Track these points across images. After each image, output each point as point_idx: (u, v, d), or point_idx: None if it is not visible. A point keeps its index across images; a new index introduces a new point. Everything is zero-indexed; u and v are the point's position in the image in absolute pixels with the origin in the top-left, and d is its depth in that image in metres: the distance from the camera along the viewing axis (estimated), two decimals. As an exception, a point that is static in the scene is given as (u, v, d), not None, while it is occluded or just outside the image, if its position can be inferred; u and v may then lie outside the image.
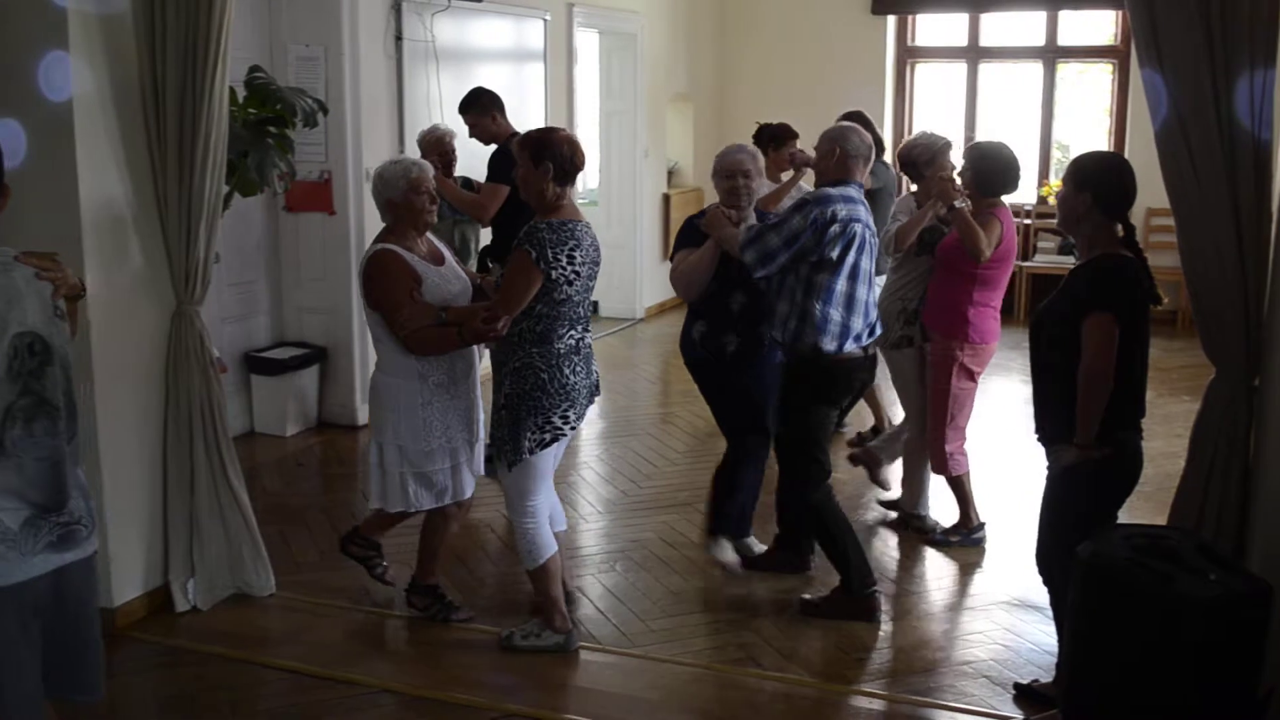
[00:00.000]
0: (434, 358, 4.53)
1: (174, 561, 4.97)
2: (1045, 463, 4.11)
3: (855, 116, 6.84)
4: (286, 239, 7.76)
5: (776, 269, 4.78)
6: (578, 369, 4.45)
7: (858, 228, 4.77)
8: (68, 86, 4.50)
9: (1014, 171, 5.50)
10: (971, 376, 5.62)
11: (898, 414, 6.72)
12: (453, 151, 6.84)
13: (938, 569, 5.58)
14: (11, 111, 4.60)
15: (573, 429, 4.47)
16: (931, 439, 5.72)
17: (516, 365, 4.39)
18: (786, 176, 7.01)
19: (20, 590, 2.85)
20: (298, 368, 7.47)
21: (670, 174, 12.06)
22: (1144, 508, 5.36)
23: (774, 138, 7.16)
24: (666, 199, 11.76)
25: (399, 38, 7.84)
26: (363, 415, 7.64)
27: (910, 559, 5.69)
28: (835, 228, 4.71)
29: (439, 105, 8.07)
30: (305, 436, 7.52)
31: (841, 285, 4.79)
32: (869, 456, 6.26)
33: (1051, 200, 11.07)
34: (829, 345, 4.81)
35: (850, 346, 4.87)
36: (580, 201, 10.53)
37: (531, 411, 4.36)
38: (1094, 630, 3.47)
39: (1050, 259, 11.48)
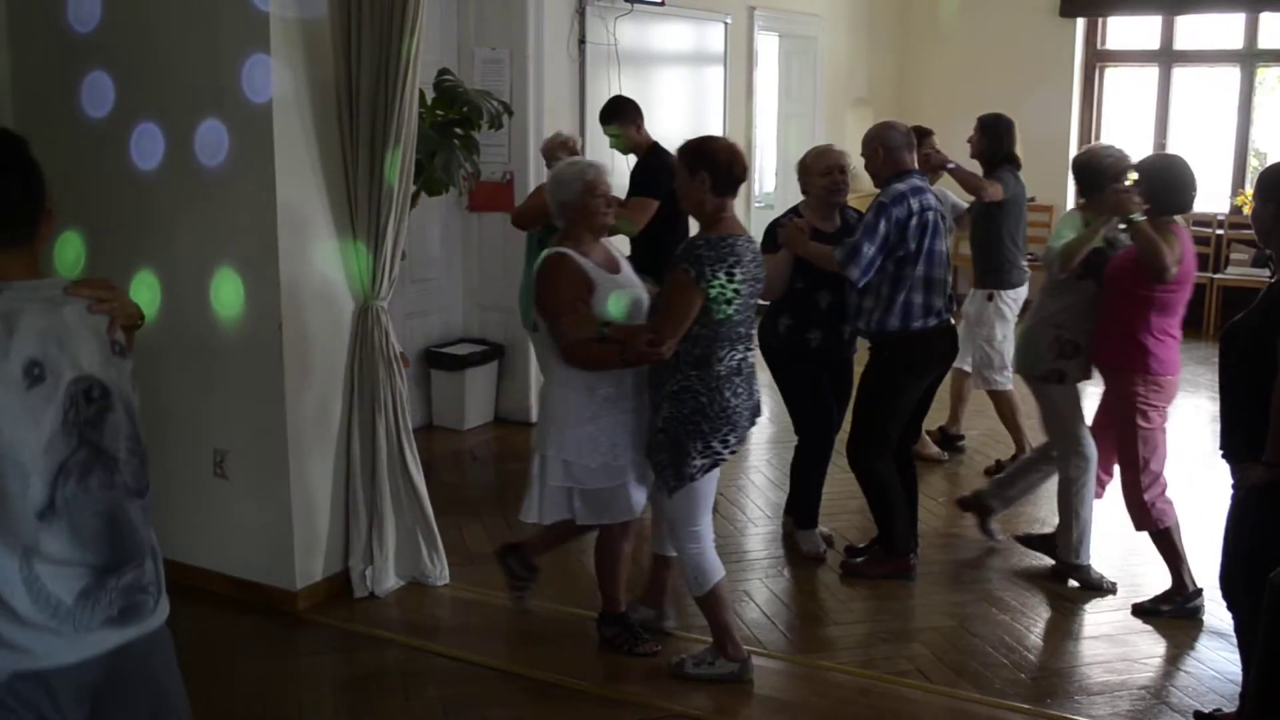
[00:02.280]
0: (604, 371, 4.31)
1: (354, 548, 5.13)
2: (1231, 482, 3.96)
3: (1002, 120, 6.76)
4: (469, 238, 7.94)
5: (874, 273, 5.07)
6: (739, 390, 4.27)
7: (930, 215, 5.10)
8: (268, 89, 4.69)
9: (1193, 188, 4.99)
10: (1159, 413, 5.07)
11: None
12: (576, 155, 6.54)
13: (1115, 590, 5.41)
14: (215, 112, 4.82)
15: (733, 453, 4.34)
16: (1127, 492, 5.14)
17: (675, 389, 4.22)
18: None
19: (64, 674, 2.38)
20: (476, 364, 7.63)
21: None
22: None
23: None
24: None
25: (582, 41, 7.94)
26: (536, 411, 7.75)
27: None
28: (914, 221, 5.04)
29: (619, 108, 8.14)
30: (481, 431, 7.68)
31: (921, 270, 5.12)
32: (979, 504, 5.89)
33: (1246, 210, 10.64)
34: (915, 324, 5.16)
35: (932, 321, 5.19)
36: (756, 205, 10.54)
37: (691, 436, 4.20)
38: (1283, 660, 3.33)
39: (1244, 271, 11.02)
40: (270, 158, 4.73)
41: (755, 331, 4.49)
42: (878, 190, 5.28)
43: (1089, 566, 5.39)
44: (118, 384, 2.47)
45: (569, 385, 4.35)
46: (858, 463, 5.40)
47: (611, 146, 6.65)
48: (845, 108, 11.50)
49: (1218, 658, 4.70)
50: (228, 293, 4.92)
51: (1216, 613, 4.46)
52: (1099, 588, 5.33)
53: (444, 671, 4.58)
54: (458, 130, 5.79)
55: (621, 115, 6.49)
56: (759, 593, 5.30)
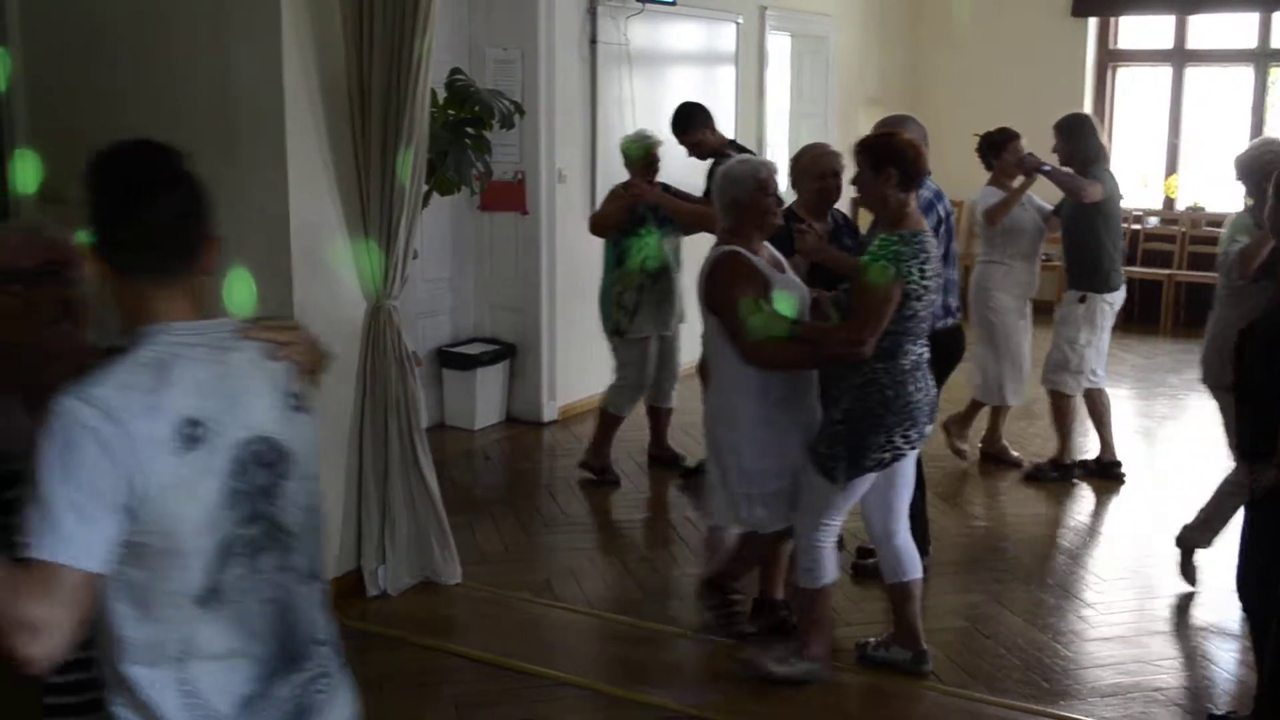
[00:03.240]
0: (776, 373, 4.25)
1: (366, 547, 5.13)
2: (1245, 482, 3.95)
3: (1080, 119, 6.68)
4: (481, 238, 7.94)
5: None
6: (920, 385, 4.21)
7: (951, 219, 5.13)
8: (280, 88, 4.69)
9: None
10: None
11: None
12: (658, 161, 6.45)
13: (1127, 591, 5.39)
14: (226, 112, 4.83)
15: (913, 448, 4.28)
16: None
17: (859, 381, 4.13)
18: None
19: None
20: (488, 364, 7.63)
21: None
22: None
23: (994, 145, 6.74)
24: (855, 202, 11.64)
25: (593, 41, 7.94)
26: (549, 412, 7.79)
27: (1101, 578, 5.52)
28: (941, 228, 5.02)
29: (631, 108, 8.15)
30: (493, 431, 7.68)
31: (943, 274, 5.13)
32: (1189, 540, 5.34)
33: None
34: (935, 325, 4.98)
35: (946, 322, 5.15)
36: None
37: (875, 429, 4.12)
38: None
39: None
40: (282, 157, 4.74)
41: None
42: None
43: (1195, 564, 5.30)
44: (294, 444, 2.07)
45: (741, 390, 4.27)
46: None
47: (690, 155, 6.52)
48: (857, 107, 11.47)
49: (1231, 659, 4.69)
50: (240, 292, 4.90)
51: (1231, 614, 4.44)
52: (1190, 579, 5.29)
53: (457, 670, 4.58)
54: (469, 130, 5.80)
55: (694, 121, 6.42)
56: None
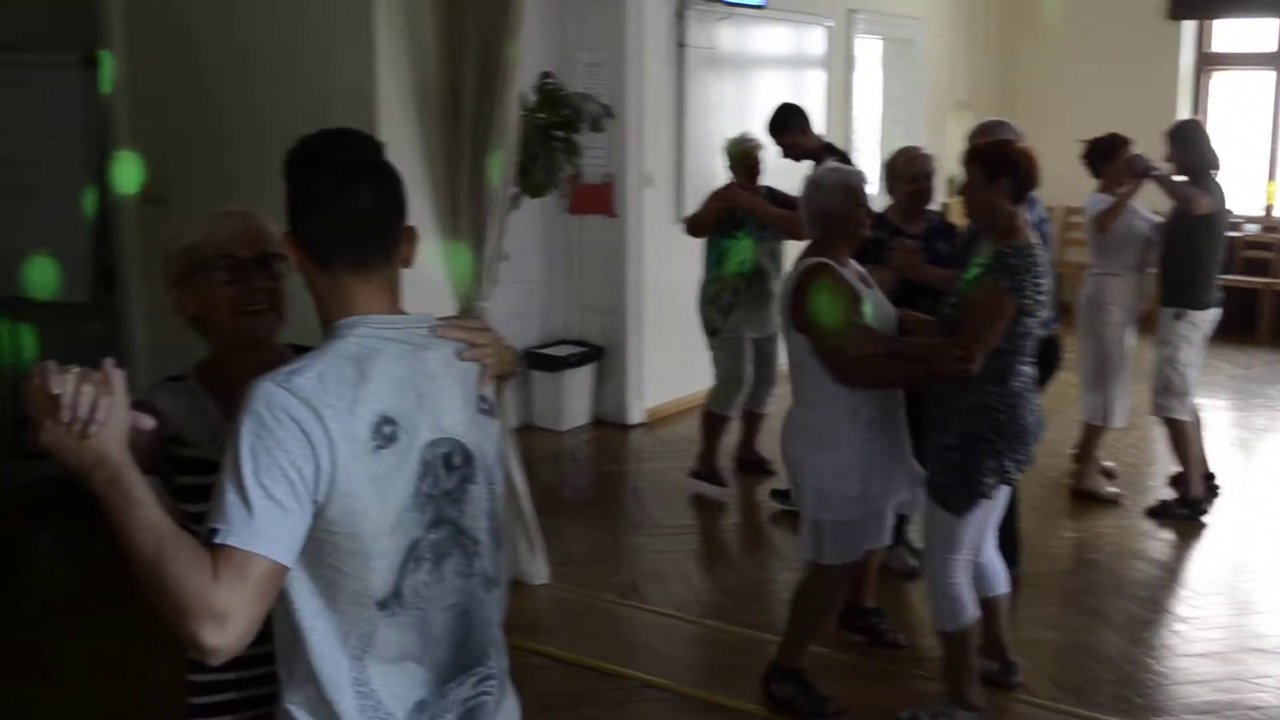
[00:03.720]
0: (866, 392, 4.01)
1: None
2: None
3: (1193, 126, 6.52)
4: (569, 240, 7.98)
5: None
6: (1032, 407, 3.99)
7: (1045, 226, 4.98)
8: (374, 90, 4.77)
9: None
10: None
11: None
12: (759, 164, 6.34)
13: (1221, 607, 5.28)
14: (322, 114, 4.90)
15: (1021, 471, 4.05)
16: None
17: (971, 404, 3.90)
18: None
19: None
20: (575, 365, 7.67)
21: (950, 182, 11.82)
22: None
23: (1104, 151, 6.47)
24: (945, 207, 11.53)
25: (681, 45, 7.94)
26: (635, 414, 7.80)
27: (1195, 592, 5.41)
28: (1034, 235, 4.86)
29: (719, 112, 8.15)
30: (580, 432, 7.71)
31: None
32: None
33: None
34: None
35: (1041, 332, 4.92)
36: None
37: (986, 454, 3.90)
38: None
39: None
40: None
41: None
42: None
43: None
44: (482, 449, 2.01)
45: (829, 409, 4.03)
46: None
47: (784, 156, 6.44)
48: (946, 111, 11.38)
49: (1334, 677, 4.58)
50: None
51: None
52: None
53: (543, 670, 4.60)
54: (559, 133, 5.84)
55: (792, 123, 6.34)
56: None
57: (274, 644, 1.93)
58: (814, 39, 9.36)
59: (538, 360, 7.68)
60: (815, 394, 4.07)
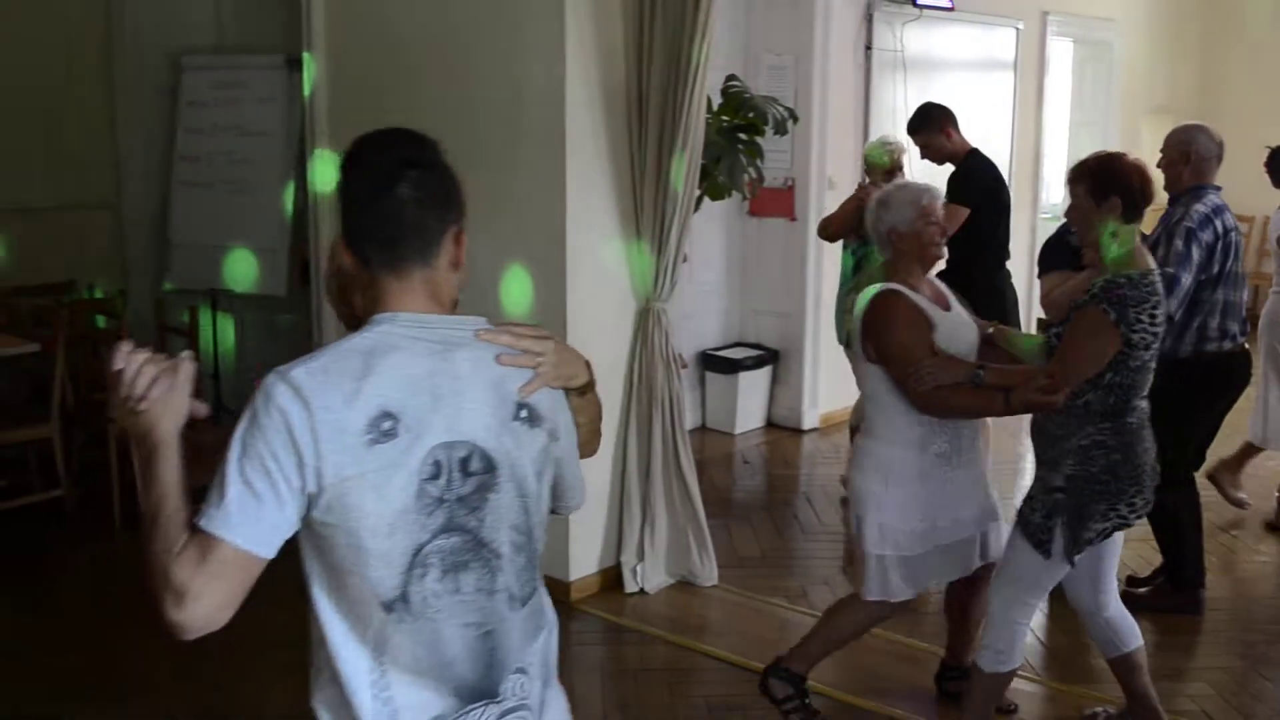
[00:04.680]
0: (938, 423, 3.81)
1: (626, 545, 5.23)
2: None
3: None
4: (748, 243, 7.98)
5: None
6: (1148, 446, 3.71)
7: (1234, 236, 4.84)
8: (562, 92, 4.84)
9: None
10: None
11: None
12: (901, 168, 6.16)
13: None
14: (510, 114, 5.01)
15: (1138, 518, 3.75)
16: None
17: (1083, 443, 3.62)
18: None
19: None
20: (750, 368, 7.67)
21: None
22: None
23: None
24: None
25: (868, 47, 7.88)
26: (810, 419, 7.77)
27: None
28: (1219, 245, 4.78)
29: (904, 115, 8.03)
30: (753, 435, 7.71)
31: (1221, 294, 4.86)
32: None
33: None
34: (1208, 348, 4.89)
35: (1227, 345, 4.92)
36: (1042, 216, 10.22)
37: (1098, 497, 3.63)
38: None
39: None
40: (561, 160, 4.88)
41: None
42: (1169, 196, 4.96)
43: None
44: (511, 457, 1.92)
45: (898, 441, 3.86)
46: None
47: (922, 158, 6.26)
48: (1141, 117, 11.02)
49: None
50: (517, 290, 5.09)
51: None
52: None
53: (709, 671, 4.62)
54: (742, 135, 5.83)
55: (929, 122, 6.09)
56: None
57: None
58: (1003, 41, 9.18)
59: (713, 362, 7.70)
60: (885, 424, 3.90)
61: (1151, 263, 3.70)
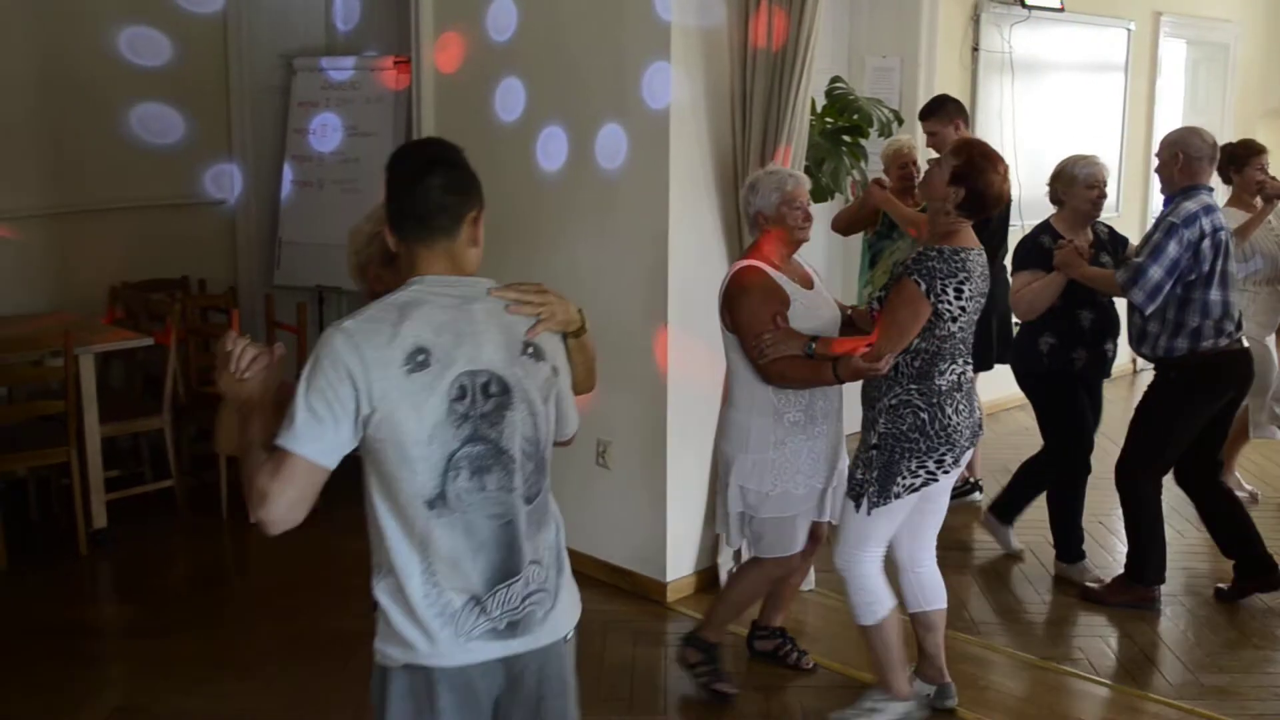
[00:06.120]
0: (792, 393, 4.03)
1: (722, 546, 5.23)
2: None
3: None
4: (850, 244, 7.92)
5: (1163, 299, 4.86)
6: (960, 407, 3.93)
7: (1223, 235, 4.90)
8: (667, 95, 4.86)
9: None
10: None
11: None
12: (915, 165, 6.09)
13: None
14: (615, 117, 5.04)
15: (947, 474, 3.96)
16: None
17: (893, 403, 3.91)
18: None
19: (447, 675, 2.39)
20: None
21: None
22: None
23: (1234, 158, 6.13)
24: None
25: (975, 48, 7.79)
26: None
27: None
28: (1206, 243, 4.83)
29: (1011, 117, 7.94)
30: (852, 440, 7.62)
31: (1214, 294, 4.91)
32: None
33: None
34: (1203, 345, 4.95)
35: (1223, 342, 4.99)
36: (1151, 219, 10.03)
37: (907, 454, 3.89)
38: None
39: None
40: (665, 162, 4.89)
41: (971, 348, 4.05)
42: (1164, 197, 5.12)
43: None
44: (521, 383, 2.40)
45: (753, 409, 4.09)
46: (1123, 480, 5.21)
47: (927, 145, 6.23)
48: (1257, 119, 10.75)
49: None
50: (624, 289, 5.12)
51: None
52: None
53: (802, 675, 4.61)
54: (846, 138, 5.80)
55: (941, 112, 6.10)
56: (1142, 634, 5.05)
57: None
58: (1115, 42, 9.02)
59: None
60: (742, 394, 4.13)
61: (973, 243, 3.91)
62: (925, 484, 3.94)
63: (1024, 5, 7.88)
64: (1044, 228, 5.27)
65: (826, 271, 7.71)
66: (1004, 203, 4.02)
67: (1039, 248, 5.17)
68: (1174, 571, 5.43)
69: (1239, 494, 6.28)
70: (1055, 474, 5.53)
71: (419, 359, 2.30)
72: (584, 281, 5.20)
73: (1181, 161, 4.99)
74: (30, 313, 6.51)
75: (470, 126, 5.64)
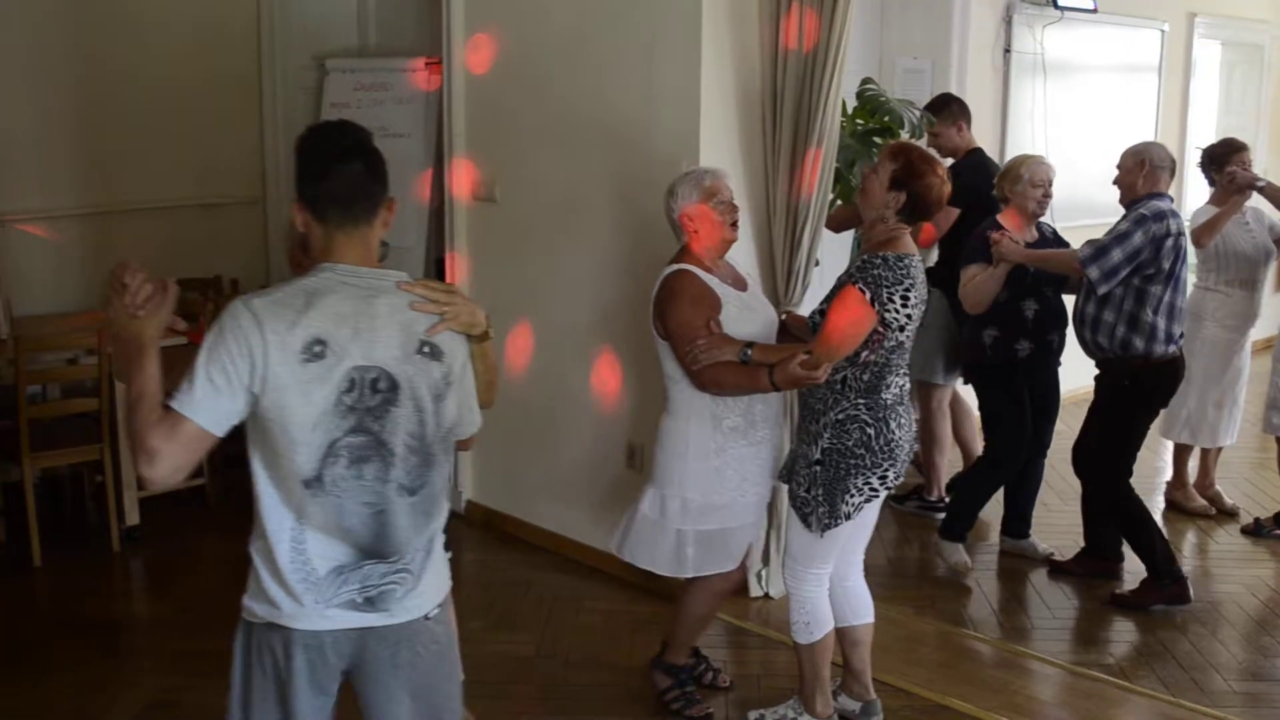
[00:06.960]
0: (730, 399, 3.94)
1: (752, 548, 5.21)
2: None
3: None
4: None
5: (1118, 283, 4.99)
6: (902, 421, 3.85)
7: (1183, 240, 5.06)
8: (697, 94, 4.86)
9: None
10: None
11: None
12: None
13: None
14: (644, 114, 5.04)
15: (889, 490, 3.89)
16: None
17: (839, 417, 3.78)
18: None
19: (305, 638, 2.53)
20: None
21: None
22: None
23: (1215, 158, 6.14)
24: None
25: (1007, 50, 7.75)
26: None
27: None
28: (1169, 242, 4.97)
29: (1043, 119, 7.90)
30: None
31: (1168, 295, 5.05)
32: None
33: None
34: (1158, 350, 5.07)
35: (1172, 349, 5.14)
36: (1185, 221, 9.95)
37: (853, 470, 3.78)
38: None
39: None
40: (695, 162, 4.88)
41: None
42: (1123, 207, 5.21)
43: None
44: (411, 381, 2.48)
45: (691, 416, 3.99)
46: (1103, 498, 5.38)
47: (928, 145, 5.95)
48: (1292, 121, 10.68)
49: None
50: (650, 291, 5.11)
51: None
52: None
53: (832, 679, 4.59)
54: (876, 140, 5.78)
55: (944, 113, 6.15)
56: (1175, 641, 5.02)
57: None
58: (1148, 43, 8.96)
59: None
60: (680, 401, 4.02)
61: (913, 249, 3.82)
62: (869, 500, 3.84)
63: (1057, 6, 7.84)
64: (991, 225, 5.35)
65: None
66: (944, 206, 3.92)
67: (986, 242, 5.26)
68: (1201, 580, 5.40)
69: (1224, 506, 6.43)
70: (989, 461, 5.63)
71: (315, 350, 2.40)
72: (614, 282, 5.21)
73: (1146, 169, 5.13)
74: (64, 311, 6.57)
75: (501, 127, 5.66)
